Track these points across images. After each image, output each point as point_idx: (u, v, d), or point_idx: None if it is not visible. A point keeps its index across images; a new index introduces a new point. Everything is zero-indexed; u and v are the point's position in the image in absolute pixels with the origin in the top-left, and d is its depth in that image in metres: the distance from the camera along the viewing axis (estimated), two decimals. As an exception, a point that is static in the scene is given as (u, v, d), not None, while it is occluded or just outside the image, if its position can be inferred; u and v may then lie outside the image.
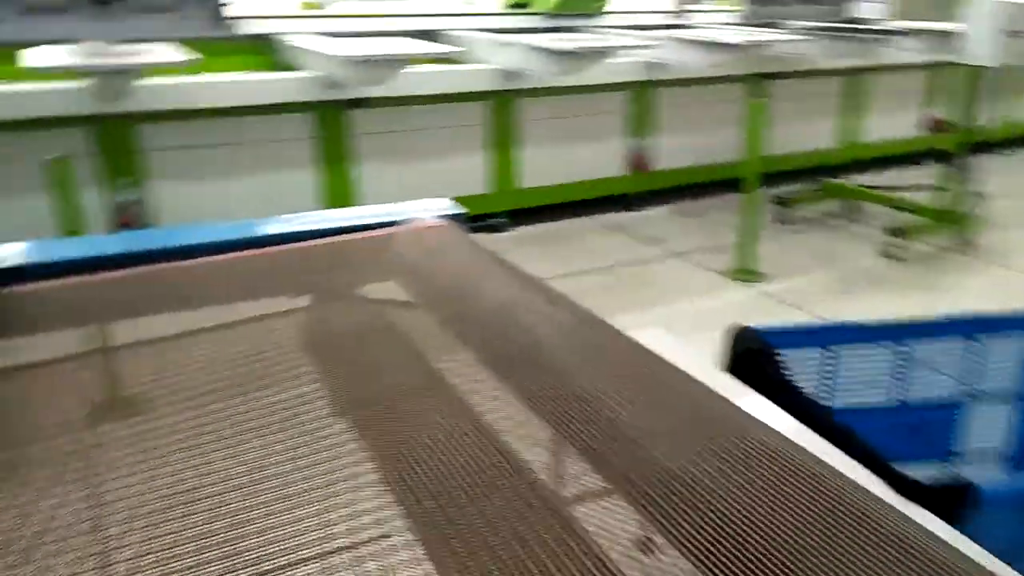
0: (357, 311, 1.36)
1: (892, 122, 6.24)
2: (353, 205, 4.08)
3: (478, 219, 4.52)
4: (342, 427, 1.08)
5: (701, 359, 1.79)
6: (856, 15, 4.73)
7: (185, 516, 0.88)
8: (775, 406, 1.54)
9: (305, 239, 1.43)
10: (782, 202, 4.97)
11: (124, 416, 1.14)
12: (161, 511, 0.89)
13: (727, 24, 5.41)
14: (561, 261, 4.19)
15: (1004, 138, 6.86)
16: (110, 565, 0.80)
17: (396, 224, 1.55)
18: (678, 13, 4.44)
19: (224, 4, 2.69)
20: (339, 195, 4.04)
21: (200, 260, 1.28)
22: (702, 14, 5.52)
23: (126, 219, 3.38)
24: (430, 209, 1.64)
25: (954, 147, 4.48)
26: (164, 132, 3.50)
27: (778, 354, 1.94)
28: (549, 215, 4.81)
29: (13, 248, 1.23)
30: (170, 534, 0.85)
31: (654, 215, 5.07)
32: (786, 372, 1.97)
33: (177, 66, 2.60)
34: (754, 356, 1.93)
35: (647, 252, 4.38)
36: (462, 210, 1.64)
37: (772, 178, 5.48)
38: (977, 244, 4.56)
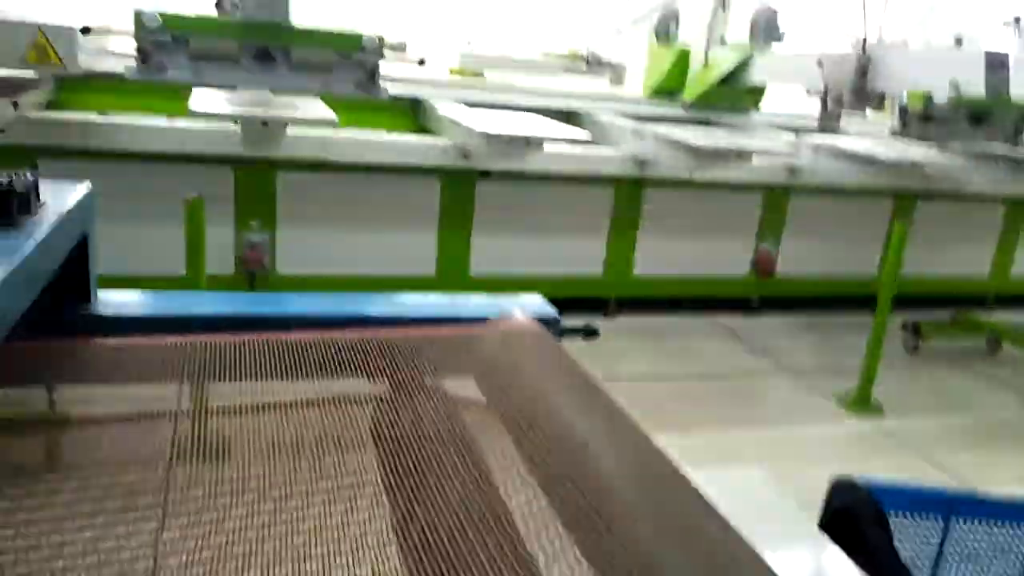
0: (428, 409, 1.32)
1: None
2: (467, 272, 4.14)
3: (588, 305, 4.47)
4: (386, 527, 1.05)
5: (793, 512, 1.64)
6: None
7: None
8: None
9: (394, 324, 1.43)
10: (915, 330, 4.62)
11: (194, 472, 1.15)
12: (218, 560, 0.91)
13: (880, 136, 5.19)
14: (663, 359, 4.06)
15: None
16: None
17: (484, 320, 1.52)
18: (828, 125, 4.30)
19: (378, 70, 2.82)
20: (455, 261, 4.11)
21: (286, 334, 1.29)
22: (858, 122, 5.34)
23: (252, 259, 3.57)
24: (521, 306, 1.60)
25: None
26: (300, 181, 3.71)
27: (884, 517, 1.76)
28: (660, 309, 4.69)
29: (116, 297, 1.29)
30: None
31: (772, 324, 4.84)
32: (889, 540, 1.78)
33: (324, 124, 2.75)
34: (855, 516, 1.75)
35: (757, 364, 4.17)
36: (553, 312, 1.60)
37: (906, 302, 5.14)
38: None
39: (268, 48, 2.65)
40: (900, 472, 3.20)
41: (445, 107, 4.09)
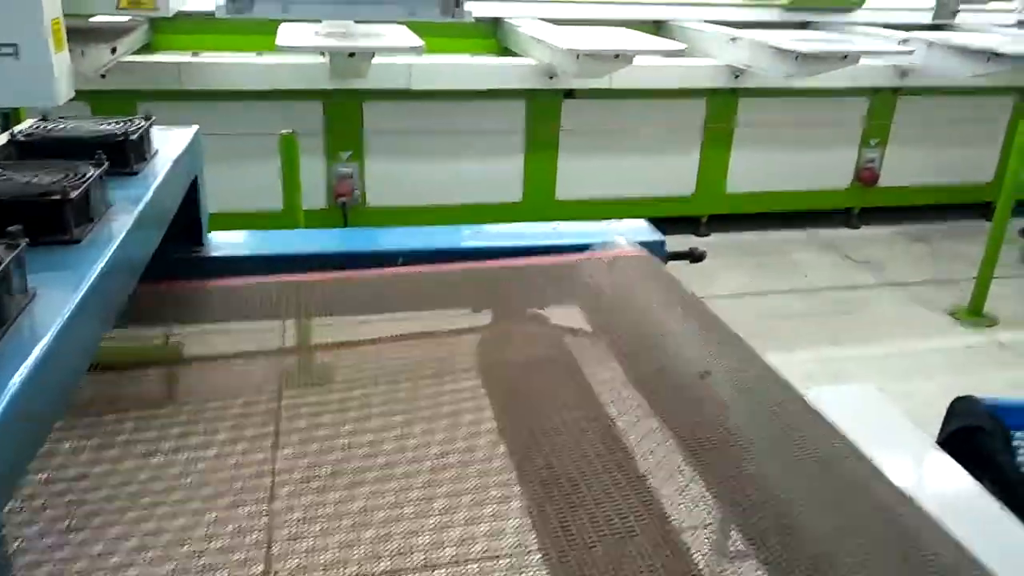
0: (535, 339, 1.33)
1: None
2: (553, 196, 4.08)
3: (680, 222, 4.35)
4: (501, 450, 1.08)
5: (910, 429, 1.60)
6: None
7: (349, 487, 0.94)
8: (990, 497, 1.34)
9: (497, 255, 1.43)
10: (1036, 237, 4.31)
11: (307, 395, 1.21)
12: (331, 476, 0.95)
13: (1002, 27, 4.74)
14: (763, 276, 3.93)
15: None
16: (277, 520, 0.86)
17: (591, 247, 1.50)
18: (945, 13, 3.94)
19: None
20: (541, 185, 4.06)
21: (390, 270, 1.31)
22: (974, 14, 4.88)
23: (343, 191, 3.63)
24: (627, 232, 1.57)
25: None
26: (386, 111, 3.70)
27: (1008, 433, 1.69)
28: (759, 223, 4.52)
29: (224, 239, 1.33)
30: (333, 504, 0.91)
31: (877, 235, 4.60)
32: (1013, 456, 1.71)
33: (410, 52, 2.71)
34: (977, 433, 1.68)
35: (862, 278, 4.00)
36: (659, 236, 1.56)
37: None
38: None
39: (352, -25, 2.62)
40: (1020, 385, 3.05)
41: (528, 26, 3.96)
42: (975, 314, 3.57)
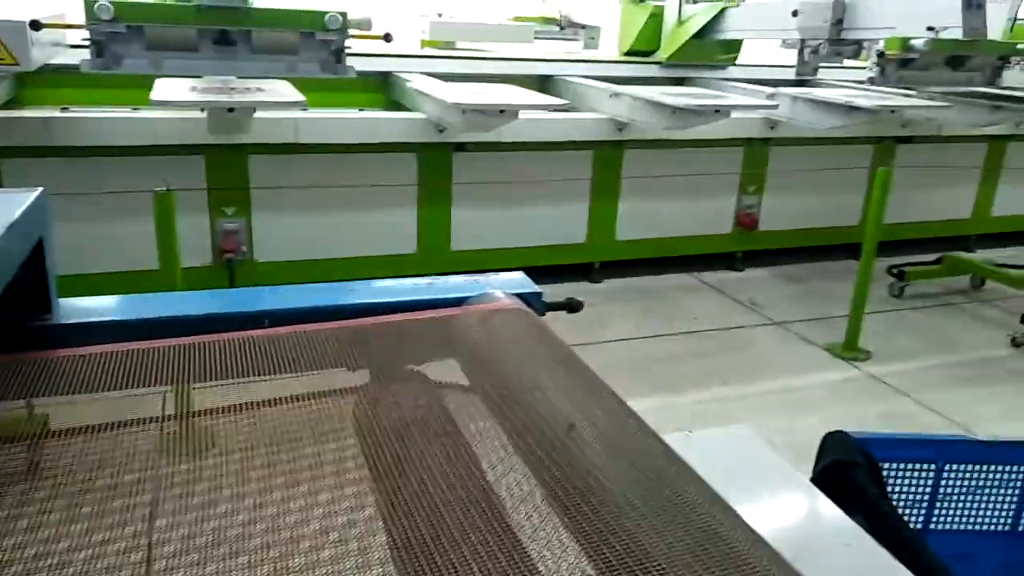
0: (411, 397, 1.31)
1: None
2: (448, 247, 4.10)
3: (572, 270, 4.45)
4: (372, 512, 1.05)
5: (783, 468, 1.65)
6: (1007, 84, 4.41)
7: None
8: (859, 529, 1.39)
9: (373, 311, 1.40)
10: (900, 275, 4.64)
11: (180, 463, 1.14)
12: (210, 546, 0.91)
13: (858, 83, 5.15)
14: (651, 320, 4.05)
15: None
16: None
17: (468, 300, 1.49)
18: (806, 70, 4.25)
19: (343, 48, 2.75)
20: (436, 237, 4.07)
21: (260, 332, 1.26)
22: (833, 71, 5.29)
23: (229, 247, 3.52)
24: (504, 284, 1.58)
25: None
26: (273, 164, 3.64)
27: (876, 465, 1.77)
28: (649, 269, 4.68)
29: (78, 304, 1.25)
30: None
31: (757, 277, 4.85)
32: (883, 489, 1.79)
33: (292, 107, 2.69)
34: (847, 467, 1.75)
35: (745, 317, 4.18)
36: (535, 288, 1.58)
37: (891, 246, 5.15)
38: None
39: (228, 32, 2.58)
40: (892, 416, 3.23)
41: (417, 80, 4.01)
42: (850, 349, 3.79)
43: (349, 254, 3.89)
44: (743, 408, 3.21)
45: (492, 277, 1.59)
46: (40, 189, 1.17)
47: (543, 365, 1.27)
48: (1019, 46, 4.20)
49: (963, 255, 5.16)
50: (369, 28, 2.70)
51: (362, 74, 4.08)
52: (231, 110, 2.58)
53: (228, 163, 3.55)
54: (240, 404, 1.21)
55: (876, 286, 4.51)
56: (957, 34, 3.63)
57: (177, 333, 1.20)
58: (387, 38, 2.73)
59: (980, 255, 5.47)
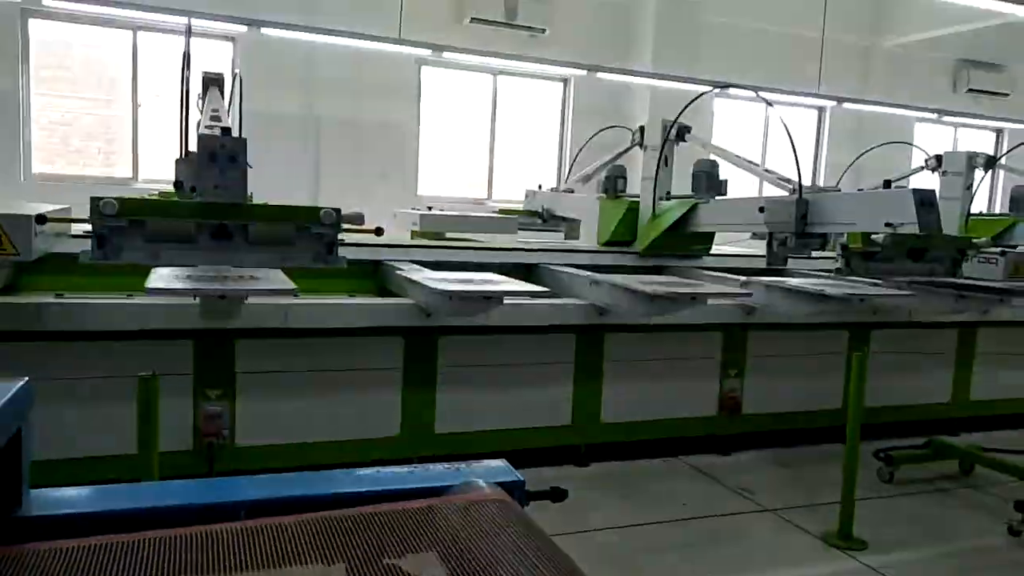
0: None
1: (1017, 379, 5.85)
2: (432, 430, 4.06)
3: (559, 453, 4.40)
4: None
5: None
6: (968, 276, 4.69)
7: None
8: None
9: (351, 502, 1.38)
10: (888, 459, 4.60)
11: None
12: None
13: (827, 271, 5.40)
14: (638, 507, 3.94)
15: None
16: None
17: (449, 490, 1.48)
18: (776, 260, 4.49)
19: (336, 241, 2.90)
20: (420, 420, 4.05)
21: (234, 524, 1.24)
22: (804, 263, 5.57)
23: (211, 430, 3.48)
24: (486, 473, 1.57)
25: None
26: (260, 348, 3.69)
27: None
28: (636, 452, 4.63)
29: (51, 496, 1.23)
30: None
31: (747, 461, 4.79)
32: None
33: (283, 295, 2.78)
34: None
35: (734, 504, 4.08)
36: (517, 477, 1.57)
37: (876, 430, 5.14)
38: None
39: (225, 226, 2.73)
40: (892, 612, 3.08)
41: (405, 268, 4.18)
42: (845, 538, 3.67)
43: (332, 437, 3.84)
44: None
45: (474, 465, 1.58)
46: (25, 379, 1.19)
47: (525, 561, 1.24)
48: (974, 240, 4.48)
49: (949, 439, 5.15)
50: (361, 223, 2.86)
51: (354, 262, 4.26)
52: (223, 297, 2.67)
53: (216, 347, 3.60)
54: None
55: (865, 471, 4.45)
56: (914, 229, 3.87)
57: (152, 526, 1.18)
58: (378, 232, 2.89)
59: (964, 439, 5.47)
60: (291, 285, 2.75)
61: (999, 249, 4.84)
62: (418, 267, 4.29)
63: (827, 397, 5.14)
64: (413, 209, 6.18)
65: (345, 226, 2.82)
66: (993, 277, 4.90)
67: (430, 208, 6.54)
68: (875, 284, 4.72)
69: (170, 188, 3.61)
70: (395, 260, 4.42)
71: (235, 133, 2.95)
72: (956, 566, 3.53)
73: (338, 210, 2.83)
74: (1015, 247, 5.64)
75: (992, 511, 4.14)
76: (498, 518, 1.38)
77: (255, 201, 3.48)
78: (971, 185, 5.96)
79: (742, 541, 3.67)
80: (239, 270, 2.98)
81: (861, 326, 5.22)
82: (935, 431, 5.43)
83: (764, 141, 11.98)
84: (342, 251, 3.11)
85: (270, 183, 5.27)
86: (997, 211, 10.28)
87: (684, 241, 5.35)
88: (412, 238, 5.90)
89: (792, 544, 3.66)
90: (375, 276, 4.52)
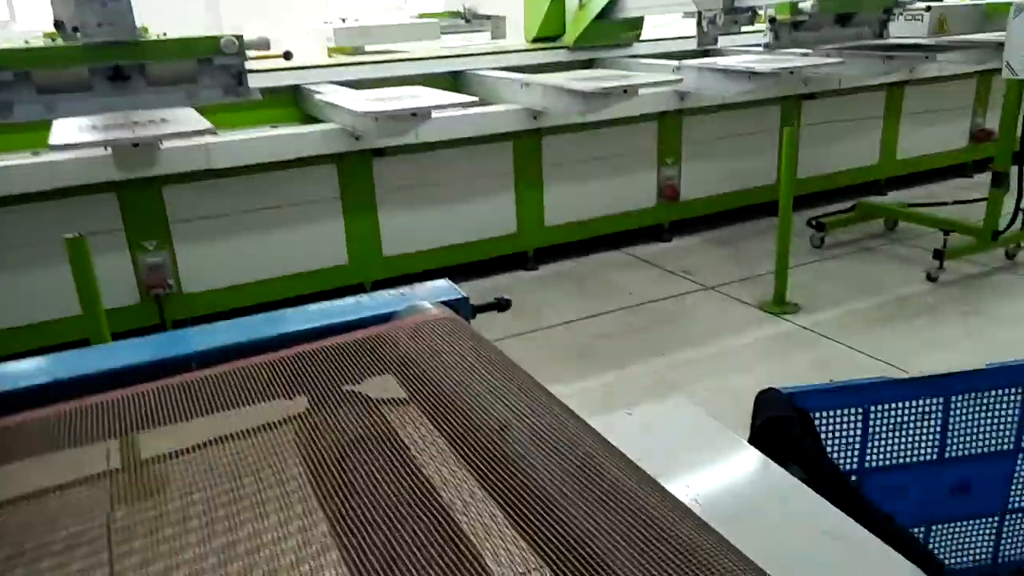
0: (352, 416, 1.33)
1: (941, 134, 6.04)
2: (380, 253, 4.08)
3: (507, 261, 4.50)
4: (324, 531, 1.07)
5: (721, 431, 1.72)
6: (895, 35, 4.63)
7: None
8: (796, 481, 1.47)
9: (302, 339, 1.42)
10: (819, 226, 4.82)
11: (136, 513, 1.14)
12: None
13: (757, 48, 5.31)
14: (589, 300, 4.13)
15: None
16: None
17: (397, 315, 1.52)
18: (706, 40, 4.38)
19: (245, 71, 2.71)
20: (366, 245, 4.05)
21: (193, 375, 1.27)
22: (734, 37, 5.44)
23: (155, 282, 3.44)
24: (431, 294, 1.61)
25: (998, 159, 4.30)
26: (189, 193, 3.57)
27: (808, 417, 1.86)
28: (579, 251, 4.76)
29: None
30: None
31: (687, 245, 4.98)
32: (814, 438, 1.89)
33: (196, 135, 2.64)
34: (781, 423, 1.84)
35: (678, 286, 4.29)
36: (461, 294, 1.61)
37: (809, 199, 5.35)
38: (1027, 264, 4.39)
39: (122, 68, 2.51)
40: (825, 362, 3.38)
41: (326, 91, 3.97)
42: (779, 304, 3.94)
43: (280, 273, 3.84)
44: (685, 375, 3.31)
45: (418, 288, 1.61)
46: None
47: (474, 369, 1.30)
48: (900, -2, 4.40)
49: (875, 200, 5.40)
50: (267, 48, 2.66)
51: (270, 91, 4.03)
52: (136, 144, 2.52)
53: (142, 197, 3.46)
54: (178, 450, 1.21)
55: (798, 240, 4.69)
56: (843, -8, 3.77)
57: (101, 389, 1.19)
58: (287, 56, 2.71)
59: (892, 197, 5.74)
60: (206, 124, 2.61)
61: (925, 5, 4.78)
62: (338, 88, 4.08)
63: (762, 174, 5.26)
64: (325, 23, 5.76)
65: (250, 53, 2.63)
66: (920, 34, 4.87)
67: (344, 20, 6.11)
68: (805, 55, 4.68)
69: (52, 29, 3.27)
70: (314, 84, 4.18)
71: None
72: (879, 315, 3.84)
73: (240, 37, 2.61)
74: (943, -2, 5.58)
75: (914, 262, 4.45)
76: (446, 335, 1.43)
77: (151, 36, 3.20)
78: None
79: (686, 318, 3.91)
80: (148, 113, 2.81)
81: (793, 98, 5.24)
82: (866, 193, 5.68)
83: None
84: (255, 80, 2.92)
85: (165, 14, 4.83)
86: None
87: (614, 30, 5.15)
88: (329, 56, 5.57)
89: (732, 315, 3.91)
90: (296, 103, 4.31)
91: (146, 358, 1.27)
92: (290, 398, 1.39)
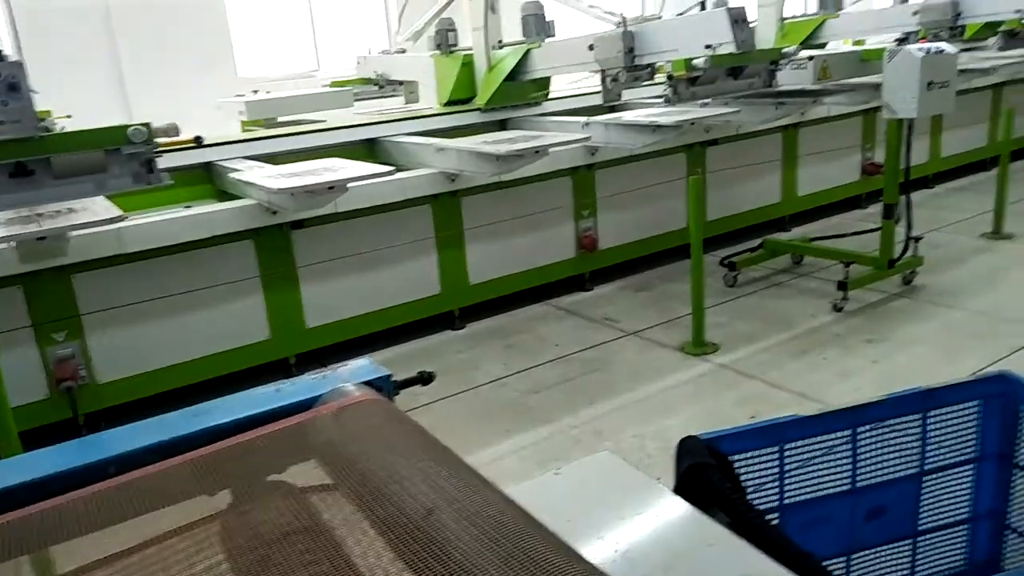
0: (275, 509, 1.33)
1: (835, 171, 6.44)
2: (303, 326, 4.05)
3: (435, 322, 4.53)
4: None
5: (646, 482, 1.78)
6: (783, 83, 5.00)
7: None
8: (720, 527, 1.52)
9: (222, 434, 1.42)
10: (731, 265, 5.04)
11: None
12: None
13: (658, 100, 5.58)
14: (516, 355, 4.18)
15: (934, 173, 7.15)
16: None
17: (319, 399, 1.54)
18: (611, 96, 4.59)
19: (154, 158, 2.70)
20: (288, 318, 4.01)
21: (110, 483, 1.25)
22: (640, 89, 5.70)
23: (65, 374, 3.32)
24: (352, 374, 1.63)
25: (886, 192, 4.61)
26: (99, 279, 3.48)
27: (727, 461, 1.93)
28: (505, 306, 4.83)
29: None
30: None
31: (608, 293, 5.12)
32: (734, 481, 1.96)
33: (106, 223, 2.60)
34: (702, 470, 1.91)
35: (602, 334, 4.40)
36: (384, 372, 1.64)
37: (721, 240, 5.59)
38: (921, 286, 4.68)
39: (24, 164, 2.47)
40: (746, 399, 3.51)
41: (241, 168, 3.97)
42: (699, 344, 4.08)
43: (201, 354, 3.76)
44: (614, 423, 3.38)
45: (340, 369, 1.63)
46: None
47: (398, 451, 1.33)
48: (783, 50, 4.73)
49: (780, 237, 5.69)
50: (177, 134, 2.67)
51: (182, 169, 4.00)
52: (42, 238, 2.47)
53: (50, 287, 3.36)
54: (97, 560, 1.19)
55: (713, 280, 4.89)
56: (731, 48, 4.03)
57: (14, 506, 1.16)
58: (198, 141, 2.72)
59: (796, 233, 6.05)
60: (115, 212, 2.58)
61: (807, 55, 5.15)
62: (252, 163, 4.09)
63: (675, 219, 5.48)
64: (237, 96, 5.76)
65: (160, 140, 2.62)
66: (806, 81, 5.23)
67: (255, 92, 6.12)
68: (704, 105, 4.95)
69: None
70: (227, 160, 4.17)
71: (9, 50, 2.61)
72: (792, 348, 4.02)
73: (148, 125, 2.61)
74: (825, 44, 6.01)
75: (821, 294, 4.69)
76: (369, 417, 1.45)
77: (57, 120, 3.15)
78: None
79: (611, 366, 4.00)
80: (57, 204, 2.75)
81: (696, 146, 5.50)
82: (772, 230, 5.98)
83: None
84: (167, 159, 2.91)
85: (67, 92, 4.76)
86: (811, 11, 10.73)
87: (523, 90, 5.34)
88: (243, 129, 5.56)
89: (655, 359, 4.03)
90: (211, 180, 4.28)
91: (62, 467, 1.25)
92: (213, 495, 1.38)
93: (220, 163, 4.14)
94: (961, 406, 2.00)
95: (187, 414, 1.44)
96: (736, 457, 1.97)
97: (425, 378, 1.72)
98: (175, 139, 2.66)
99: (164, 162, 3.49)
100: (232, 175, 3.80)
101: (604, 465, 1.89)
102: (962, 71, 5.02)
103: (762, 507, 1.98)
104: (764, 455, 1.97)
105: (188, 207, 3.78)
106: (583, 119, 4.87)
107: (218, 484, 1.38)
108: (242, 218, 3.69)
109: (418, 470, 1.29)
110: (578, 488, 1.79)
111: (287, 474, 1.43)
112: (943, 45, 4.28)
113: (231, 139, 4.52)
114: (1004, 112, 5.79)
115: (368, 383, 1.56)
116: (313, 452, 1.42)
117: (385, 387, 1.59)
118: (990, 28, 6.21)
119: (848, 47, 6.67)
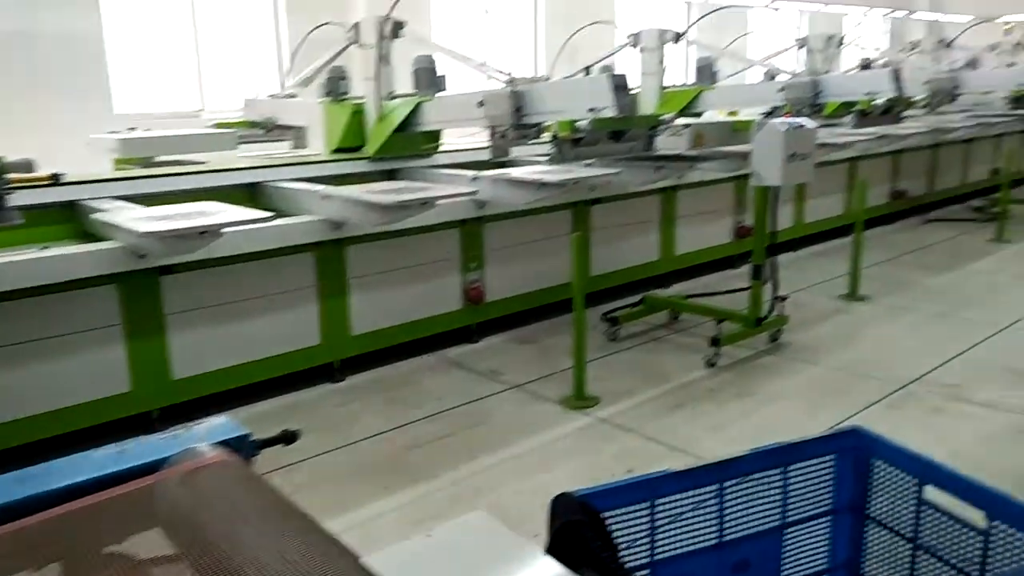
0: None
1: (709, 232, 6.78)
2: (168, 377, 3.82)
3: (313, 374, 4.39)
4: None
5: (518, 542, 1.75)
6: (662, 148, 5.27)
7: None
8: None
9: (57, 500, 1.30)
10: (612, 320, 5.18)
11: None
12: None
13: (544, 158, 5.75)
14: (398, 409, 4.10)
15: (799, 237, 7.68)
16: None
17: (167, 461, 1.44)
18: (500, 152, 4.67)
19: (6, 193, 2.50)
20: (152, 369, 3.77)
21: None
22: (525, 151, 5.85)
23: None
24: (208, 433, 1.54)
25: (755, 254, 4.89)
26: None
27: (599, 519, 1.94)
28: (388, 357, 4.75)
29: None
30: None
31: (494, 345, 5.13)
32: (605, 539, 1.96)
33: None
34: (574, 528, 1.90)
35: (486, 387, 4.39)
36: (243, 431, 1.56)
37: (604, 295, 5.74)
38: (786, 343, 4.96)
39: None
40: (624, 453, 3.57)
41: (108, 208, 3.75)
42: (580, 398, 4.13)
43: (53, 407, 3.46)
44: (494, 479, 3.35)
45: (194, 428, 1.54)
46: None
47: (249, 518, 1.25)
48: (661, 118, 5.00)
49: (659, 293, 5.91)
50: (31, 170, 2.49)
51: (40, 208, 3.74)
52: None
53: None
54: None
55: (595, 334, 5.00)
56: (612, 112, 4.21)
57: None
58: (55, 179, 2.55)
59: (674, 290, 6.31)
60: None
61: (684, 123, 5.46)
62: (123, 204, 3.87)
63: (560, 274, 5.58)
64: (110, 133, 5.48)
65: (11, 176, 2.44)
66: (682, 147, 5.54)
67: (133, 129, 5.85)
68: (588, 165, 5.13)
69: None
70: (94, 199, 3.93)
71: None
72: (668, 402, 4.15)
73: (1, 158, 2.43)
74: (701, 113, 6.40)
75: (695, 350, 4.88)
76: (221, 480, 1.37)
77: None
78: (662, 60, 6.56)
79: (494, 420, 3.99)
80: None
81: (580, 204, 5.67)
82: (651, 286, 6.20)
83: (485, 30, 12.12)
84: (24, 196, 2.70)
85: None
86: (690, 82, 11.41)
87: (414, 141, 5.36)
88: (116, 167, 5.28)
89: (537, 412, 4.05)
90: (73, 220, 4.01)
91: None
92: (38, 570, 1.26)
93: (84, 202, 3.89)
94: (817, 460, 2.10)
95: (11, 479, 1.31)
96: (609, 513, 1.98)
97: (288, 436, 1.65)
98: (29, 175, 2.48)
99: (20, 199, 3.27)
100: (95, 215, 3.58)
101: (476, 525, 1.86)
102: (821, 145, 5.46)
103: (634, 564, 2.00)
104: (636, 511, 2.00)
105: (45, 247, 3.52)
106: (472, 173, 4.93)
107: (47, 557, 1.27)
108: (104, 262, 3.46)
109: (268, 539, 1.22)
110: (449, 551, 1.75)
111: (126, 544, 1.33)
112: (804, 120, 4.64)
113: (99, 177, 4.28)
114: (858, 183, 6.32)
115: (224, 443, 1.48)
116: (156, 520, 1.33)
117: (243, 447, 1.51)
118: (846, 107, 6.81)
119: (722, 117, 7.13)
